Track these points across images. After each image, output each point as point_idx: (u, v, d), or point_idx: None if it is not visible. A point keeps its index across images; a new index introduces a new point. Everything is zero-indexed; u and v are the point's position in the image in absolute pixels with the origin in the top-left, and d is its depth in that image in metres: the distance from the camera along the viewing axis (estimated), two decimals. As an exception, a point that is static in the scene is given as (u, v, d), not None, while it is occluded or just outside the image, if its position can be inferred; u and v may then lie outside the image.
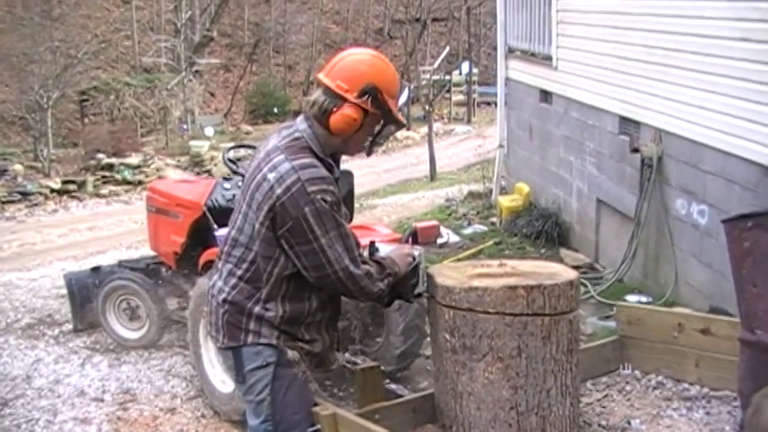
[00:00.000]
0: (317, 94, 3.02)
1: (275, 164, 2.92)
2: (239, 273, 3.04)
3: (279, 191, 2.86)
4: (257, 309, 3.01)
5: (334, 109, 2.96)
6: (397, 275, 3.09)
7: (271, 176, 2.89)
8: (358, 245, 3.05)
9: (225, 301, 3.06)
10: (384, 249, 3.28)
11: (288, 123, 3.13)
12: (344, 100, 2.95)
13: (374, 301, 3.19)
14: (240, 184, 4.14)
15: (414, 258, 3.18)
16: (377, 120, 3.05)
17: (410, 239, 8.66)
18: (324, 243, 2.88)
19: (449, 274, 3.22)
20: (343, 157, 3.26)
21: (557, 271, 3.23)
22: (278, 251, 2.95)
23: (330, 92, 2.98)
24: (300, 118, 3.07)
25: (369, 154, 3.26)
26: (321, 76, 3.04)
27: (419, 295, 3.26)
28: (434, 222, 10.37)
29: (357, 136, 3.05)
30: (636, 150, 7.24)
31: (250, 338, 3.02)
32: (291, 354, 3.05)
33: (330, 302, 3.16)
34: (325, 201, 2.86)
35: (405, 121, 3.36)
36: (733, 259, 3.07)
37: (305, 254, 2.91)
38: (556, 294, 3.01)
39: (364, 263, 3.02)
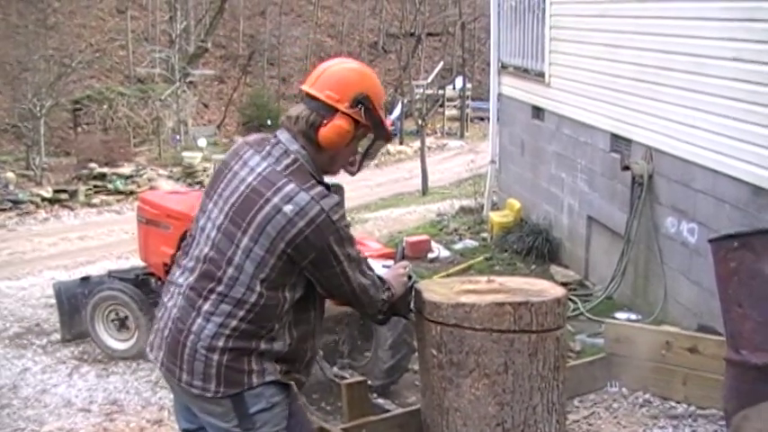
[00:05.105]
0: (299, 108, 2.81)
1: (288, 193, 2.67)
2: (241, 314, 2.70)
3: (301, 224, 2.65)
4: (263, 345, 2.73)
5: (324, 121, 2.74)
6: (393, 296, 3.03)
7: (287, 209, 2.65)
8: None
9: (220, 348, 2.69)
10: (376, 266, 3.27)
11: (270, 138, 2.85)
12: (335, 110, 2.74)
13: (373, 316, 3.04)
14: None
15: (409, 278, 3.15)
16: (367, 132, 2.87)
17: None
18: (346, 266, 2.79)
19: (436, 290, 3.22)
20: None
21: (544, 288, 3.23)
22: (295, 278, 2.76)
23: (318, 103, 2.76)
24: (287, 136, 2.80)
25: (357, 171, 3.03)
26: (306, 87, 2.82)
27: (412, 311, 3.25)
28: (425, 237, 10.40)
29: (345, 151, 2.86)
30: (627, 168, 7.27)
31: (255, 379, 2.72)
32: (293, 386, 2.87)
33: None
34: (346, 226, 2.77)
35: (393, 134, 3.26)
36: (719, 279, 3.08)
37: (327, 277, 2.80)
38: (543, 311, 3.01)
39: (370, 269, 2.95)
